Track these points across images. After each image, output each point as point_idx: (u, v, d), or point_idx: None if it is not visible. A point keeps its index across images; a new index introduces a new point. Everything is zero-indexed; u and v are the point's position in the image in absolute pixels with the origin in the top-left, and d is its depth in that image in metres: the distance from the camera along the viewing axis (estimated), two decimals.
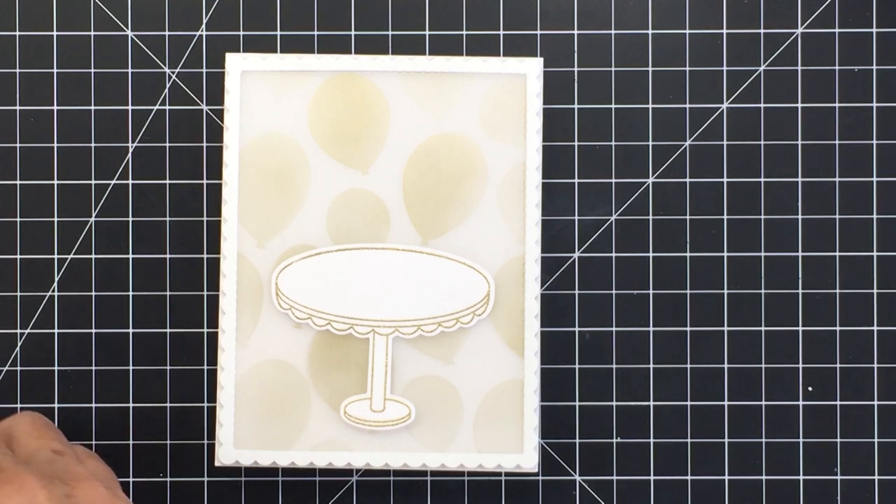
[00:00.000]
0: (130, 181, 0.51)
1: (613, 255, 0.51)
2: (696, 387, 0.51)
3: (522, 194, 0.49)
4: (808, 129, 0.51)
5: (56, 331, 0.51)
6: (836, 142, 0.51)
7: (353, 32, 0.51)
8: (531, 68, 0.49)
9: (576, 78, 0.51)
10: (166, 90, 0.51)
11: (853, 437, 0.51)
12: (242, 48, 0.51)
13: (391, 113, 0.49)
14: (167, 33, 0.51)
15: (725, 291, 0.51)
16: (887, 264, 0.51)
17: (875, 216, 0.51)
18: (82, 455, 0.44)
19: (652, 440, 0.51)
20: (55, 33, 0.51)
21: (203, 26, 0.51)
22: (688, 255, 0.51)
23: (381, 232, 0.49)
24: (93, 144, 0.51)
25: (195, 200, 0.51)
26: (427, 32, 0.51)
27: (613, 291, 0.51)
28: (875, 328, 0.51)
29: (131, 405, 0.51)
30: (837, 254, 0.51)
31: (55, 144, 0.51)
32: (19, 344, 0.51)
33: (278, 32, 0.51)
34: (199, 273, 0.51)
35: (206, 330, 0.51)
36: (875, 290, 0.51)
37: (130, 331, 0.51)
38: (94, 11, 0.51)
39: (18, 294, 0.51)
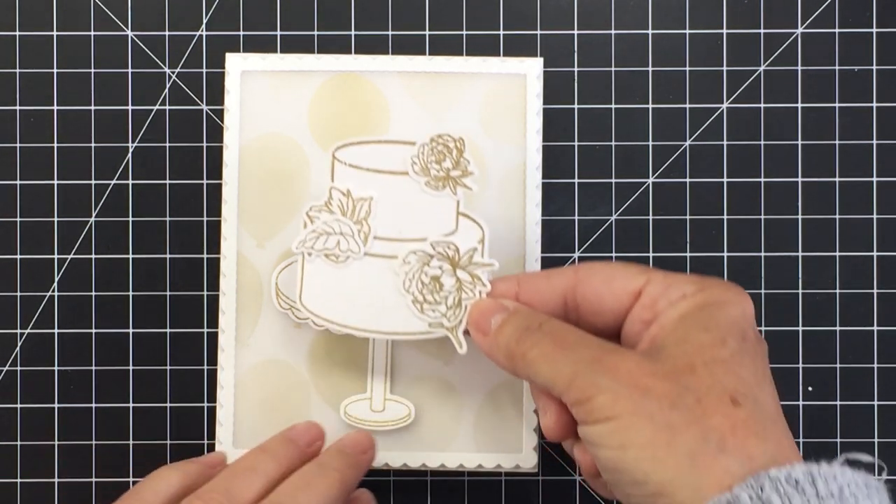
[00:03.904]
0: (130, 181, 0.51)
1: (613, 255, 0.51)
2: None
3: (522, 194, 0.49)
4: (808, 129, 0.51)
5: (56, 331, 0.51)
6: (836, 142, 0.51)
7: (353, 32, 0.51)
8: (531, 68, 0.49)
9: (576, 78, 0.51)
10: (166, 90, 0.51)
11: (853, 437, 0.51)
12: (242, 48, 0.51)
13: (391, 113, 0.49)
14: (167, 33, 0.51)
15: None
16: (887, 264, 0.51)
17: (875, 216, 0.51)
18: None
19: None
20: (55, 33, 0.51)
21: (203, 26, 0.51)
22: (688, 255, 0.51)
23: None
24: (93, 144, 0.51)
25: (195, 200, 0.51)
26: (427, 32, 0.51)
27: None
28: (875, 328, 0.51)
29: (131, 405, 0.51)
30: (837, 254, 0.51)
31: (55, 144, 0.51)
32: (19, 344, 0.51)
33: (278, 32, 0.51)
34: (199, 273, 0.51)
35: (206, 330, 0.51)
36: (875, 290, 0.51)
37: (130, 331, 0.51)
38: (94, 11, 0.51)
39: (18, 294, 0.51)
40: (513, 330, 0.42)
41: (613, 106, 0.51)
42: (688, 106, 0.51)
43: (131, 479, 0.51)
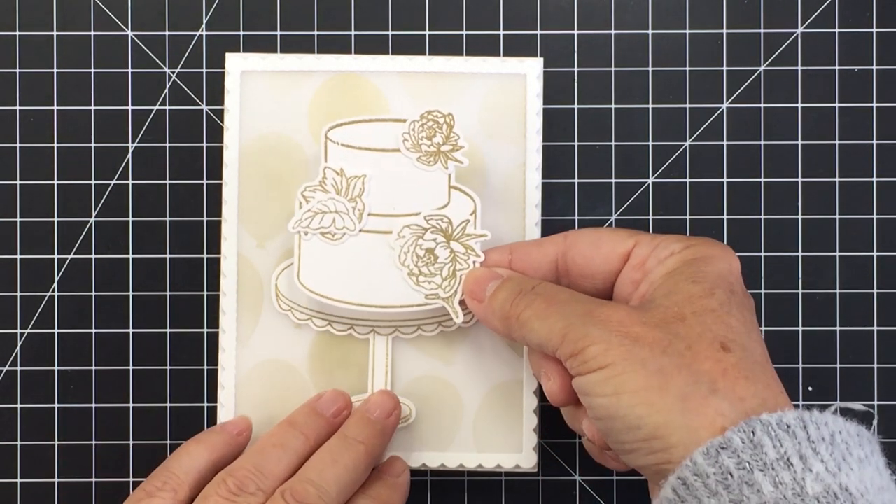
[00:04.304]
0: (130, 181, 0.51)
1: None
2: None
3: (522, 195, 0.49)
4: (808, 129, 0.51)
5: (56, 331, 0.51)
6: (836, 142, 0.51)
7: (353, 32, 0.51)
8: (531, 68, 0.49)
9: (576, 78, 0.51)
10: (166, 90, 0.51)
11: None
12: (242, 48, 0.51)
13: (391, 113, 0.49)
14: (167, 33, 0.51)
15: None
16: (887, 264, 0.51)
17: (875, 216, 0.51)
18: None
19: None
20: (55, 33, 0.51)
21: (203, 26, 0.51)
22: None
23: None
24: (93, 144, 0.51)
25: (195, 200, 0.51)
26: (427, 32, 0.51)
27: None
28: (875, 328, 0.51)
29: (131, 405, 0.51)
30: (837, 254, 0.51)
31: (55, 144, 0.51)
32: (19, 344, 0.51)
33: (278, 32, 0.51)
34: (199, 273, 0.51)
35: (206, 330, 0.51)
36: (875, 290, 0.51)
37: (130, 331, 0.51)
38: (94, 11, 0.51)
39: (18, 294, 0.51)
40: (507, 294, 0.43)
41: (613, 106, 0.51)
42: (688, 106, 0.51)
43: (131, 479, 0.51)
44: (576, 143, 0.51)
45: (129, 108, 0.51)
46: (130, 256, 0.51)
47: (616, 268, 0.44)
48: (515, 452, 0.49)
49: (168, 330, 0.51)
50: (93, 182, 0.51)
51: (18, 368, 0.51)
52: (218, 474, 0.44)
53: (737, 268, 0.42)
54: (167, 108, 0.51)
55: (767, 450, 0.35)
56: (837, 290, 0.51)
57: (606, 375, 0.38)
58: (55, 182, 0.51)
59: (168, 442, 0.51)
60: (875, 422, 0.40)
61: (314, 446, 0.45)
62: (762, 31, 0.51)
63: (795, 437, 0.35)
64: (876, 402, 0.51)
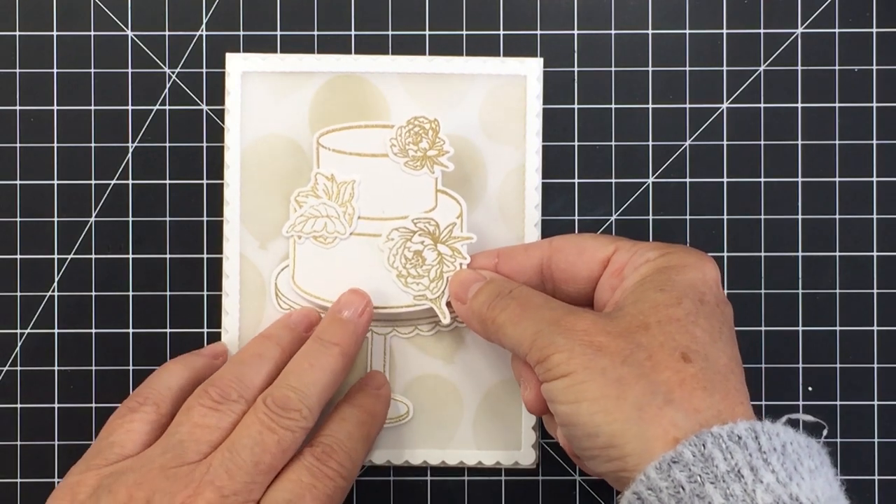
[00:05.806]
0: (130, 181, 0.51)
1: None
2: None
3: (522, 196, 0.49)
4: (808, 129, 0.51)
5: (56, 331, 0.51)
6: (836, 142, 0.51)
7: (353, 32, 0.51)
8: (531, 69, 0.49)
9: (576, 78, 0.51)
10: (166, 90, 0.51)
11: (853, 437, 0.51)
12: (242, 48, 0.51)
13: (391, 114, 0.49)
14: (167, 33, 0.51)
15: (726, 291, 0.51)
16: (887, 264, 0.51)
17: (875, 216, 0.51)
18: None
19: None
20: (55, 33, 0.51)
21: (203, 26, 0.51)
22: None
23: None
24: (93, 144, 0.51)
25: (195, 200, 0.51)
26: (427, 32, 0.51)
27: None
28: (875, 328, 0.51)
29: None
30: (837, 254, 0.51)
31: (55, 144, 0.51)
32: (19, 344, 0.51)
33: (278, 32, 0.51)
34: (199, 273, 0.51)
35: (206, 330, 0.51)
36: (875, 290, 0.51)
37: (130, 331, 0.51)
38: (94, 11, 0.51)
39: (18, 294, 0.51)
40: (486, 297, 0.44)
41: (613, 106, 0.51)
42: (688, 106, 0.51)
43: None
44: (576, 143, 0.51)
45: (129, 108, 0.51)
46: (130, 256, 0.51)
47: (596, 273, 0.45)
48: (514, 449, 0.49)
49: (168, 330, 0.51)
50: (93, 182, 0.51)
51: (18, 368, 0.51)
52: (199, 386, 0.45)
53: (712, 277, 0.42)
54: (167, 108, 0.51)
55: (718, 462, 0.36)
56: (837, 290, 0.51)
57: (568, 383, 0.39)
58: (55, 182, 0.51)
59: None
60: (825, 432, 0.40)
61: (289, 357, 0.46)
62: (762, 31, 0.51)
63: (746, 449, 0.36)
64: (876, 402, 0.51)
